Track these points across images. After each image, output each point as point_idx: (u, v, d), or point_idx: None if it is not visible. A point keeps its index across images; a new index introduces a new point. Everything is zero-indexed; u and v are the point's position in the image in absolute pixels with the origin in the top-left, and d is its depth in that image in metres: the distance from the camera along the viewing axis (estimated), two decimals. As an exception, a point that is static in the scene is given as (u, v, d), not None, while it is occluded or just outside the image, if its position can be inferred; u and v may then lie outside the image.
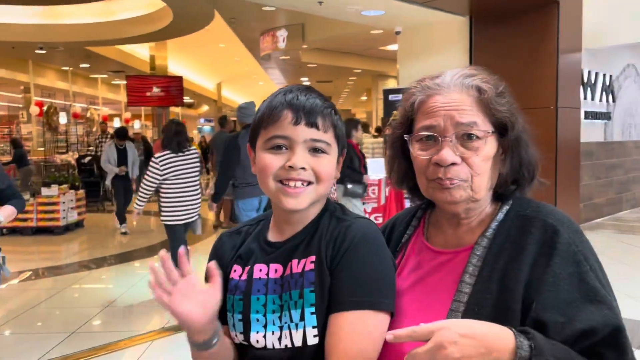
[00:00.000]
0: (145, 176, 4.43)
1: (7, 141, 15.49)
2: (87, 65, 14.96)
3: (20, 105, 17.33)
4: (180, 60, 15.52)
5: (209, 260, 1.01)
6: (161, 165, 4.36)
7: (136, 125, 20.24)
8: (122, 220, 7.67)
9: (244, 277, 0.99)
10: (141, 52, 14.19)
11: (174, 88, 12.96)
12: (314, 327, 0.91)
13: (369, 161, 6.95)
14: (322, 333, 0.91)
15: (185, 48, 13.22)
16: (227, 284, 1.00)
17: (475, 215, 0.95)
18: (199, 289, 0.87)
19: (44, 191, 7.73)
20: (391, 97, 6.73)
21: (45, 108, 13.80)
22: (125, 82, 14.35)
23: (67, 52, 12.43)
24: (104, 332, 4.11)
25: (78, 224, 8.17)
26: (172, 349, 3.67)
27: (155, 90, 12.77)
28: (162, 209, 4.46)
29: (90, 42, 10.78)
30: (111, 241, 7.50)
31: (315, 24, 9.33)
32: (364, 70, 13.64)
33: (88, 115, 16.41)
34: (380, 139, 8.05)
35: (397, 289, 0.93)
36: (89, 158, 10.64)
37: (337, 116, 0.98)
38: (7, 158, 11.70)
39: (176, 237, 4.48)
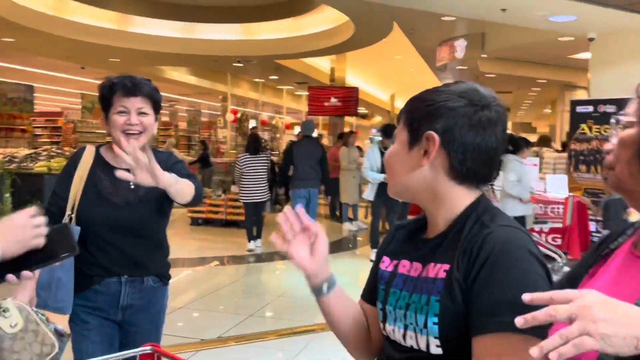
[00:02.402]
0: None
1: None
2: (276, 77, 16.33)
3: (219, 113, 19.64)
4: (357, 71, 16.12)
5: (379, 250, 1.11)
6: (241, 163, 6.63)
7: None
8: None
9: (390, 268, 1.02)
10: (323, 64, 15.04)
11: (350, 99, 13.49)
12: (435, 338, 0.88)
13: (550, 177, 6.46)
14: (445, 346, 0.88)
15: (362, 60, 13.70)
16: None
17: None
18: (311, 240, 1.02)
19: (233, 189, 8.64)
20: (579, 108, 6.17)
21: (239, 115, 15.43)
22: (306, 92, 15.39)
23: (260, 65, 13.74)
24: (275, 318, 4.48)
25: (259, 220, 8.98)
26: (336, 342, 3.85)
27: (333, 100, 13.43)
28: (240, 192, 6.74)
29: (280, 56, 11.80)
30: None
31: (497, 32, 8.97)
32: (549, 81, 12.67)
33: (274, 122, 17.95)
34: (564, 154, 7.42)
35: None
36: None
37: None
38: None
39: (248, 211, 6.79)
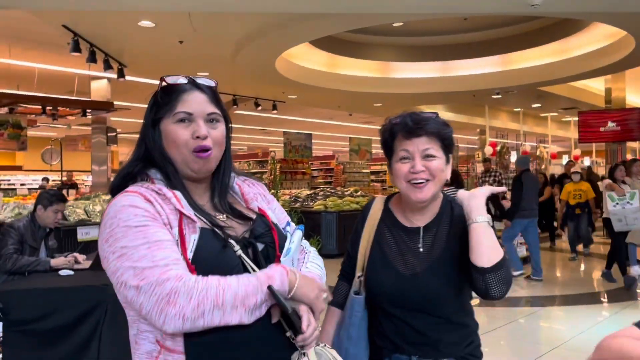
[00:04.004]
0: None
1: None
2: (539, 105, 15.33)
3: (476, 146, 19.29)
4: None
5: None
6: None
7: (586, 162, 19.30)
8: None
9: None
10: (595, 86, 13.53)
11: (633, 121, 11.76)
12: None
13: None
14: None
15: (647, 75, 11.85)
16: None
17: None
18: None
19: (497, 225, 8.30)
20: None
21: (498, 148, 14.89)
22: (575, 118, 13.98)
23: (520, 95, 13.10)
24: (553, 373, 4.05)
25: (525, 260, 8.38)
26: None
27: (610, 125, 11.91)
28: None
29: (543, 83, 11.05)
30: (557, 281, 7.34)
31: None
32: None
33: (537, 153, 16.75)
34: None
35: None
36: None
37: None
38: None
39: None
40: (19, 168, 20.39)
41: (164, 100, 1.20)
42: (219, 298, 1.04)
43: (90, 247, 5.43)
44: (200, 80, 1.23)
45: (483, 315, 5.64)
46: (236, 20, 6.81)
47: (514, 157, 15.55)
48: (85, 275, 3.47)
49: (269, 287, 1.08)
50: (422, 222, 1.54)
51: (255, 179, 1.42)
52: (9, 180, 18.59)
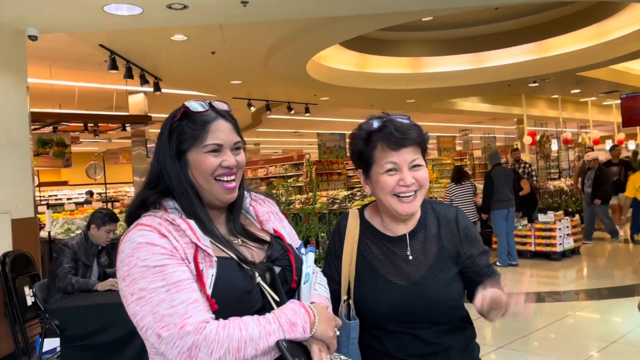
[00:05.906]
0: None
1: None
2: (578, 91, 14.87)
3: (514, 136, 18.85)
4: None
5: None
6: (449, 192, 7.76)
7: (631, 146, 18.60)
8: None
9: None
10: (637, 67, 13.04)
11: (680, 101, 11.29)
12: None
13: None
14: None
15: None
16: None
17: None
18: None
19: (541, 217, 8.09)
20: None
21: (537, 137, 14.52)
22: (617, 101, 13.50)
23: (558, 81, 12.73)
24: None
25: (574, 251, 8.15)
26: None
27: (655, 106, 11.46)
28: None
29: (582, 68, 10.70)
30: (610, 272, 7.11)
31: None
32: None
33: (579, 140, 16.24)
34: None
35: None
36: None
37: None
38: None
39: None
40: (64, 183, 21.11)
41: (191, 131, 1.18)
42: (240, 352, 1.04)
43: (137, 259, 5.57)
44: (218, 106, 1.22)
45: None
46: (266, 28, 6.86)
47: (554, 145, 15.15)
48: (135, 289, 3.56)
49: (278, 344, 1.07)
50: (405, 230, 1.46)
51: (264, 194, 1.41)
52: (56, 195, 19.25)
